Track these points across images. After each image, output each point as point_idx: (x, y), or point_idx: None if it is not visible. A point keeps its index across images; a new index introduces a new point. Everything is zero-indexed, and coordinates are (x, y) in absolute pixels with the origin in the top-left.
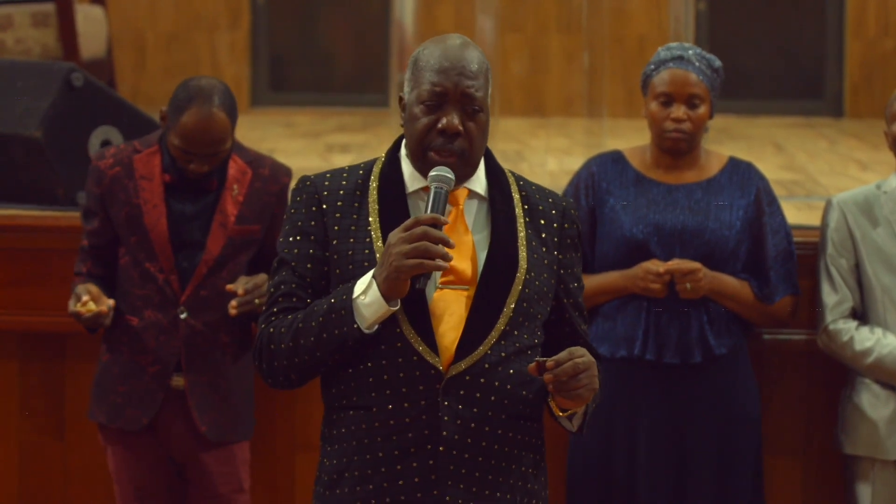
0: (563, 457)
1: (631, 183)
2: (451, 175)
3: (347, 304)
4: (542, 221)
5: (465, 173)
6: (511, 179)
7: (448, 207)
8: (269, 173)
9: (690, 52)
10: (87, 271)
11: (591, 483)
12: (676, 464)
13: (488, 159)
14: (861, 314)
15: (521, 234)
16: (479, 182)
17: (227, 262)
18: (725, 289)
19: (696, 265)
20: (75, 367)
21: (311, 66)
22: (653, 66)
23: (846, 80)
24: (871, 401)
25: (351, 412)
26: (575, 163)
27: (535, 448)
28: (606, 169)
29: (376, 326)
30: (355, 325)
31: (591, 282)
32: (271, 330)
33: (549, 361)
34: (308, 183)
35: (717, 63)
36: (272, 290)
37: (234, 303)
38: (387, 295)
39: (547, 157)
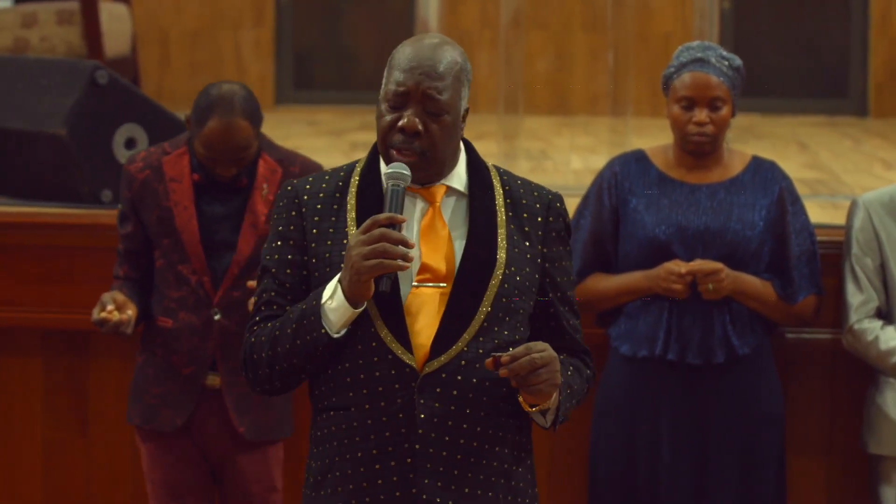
0: (586, 456)
1: (654, 183)
2: (407, 172)
3: (316, 310)
4: (526, 215)
5: (430, 173)
6: (494, 174)
7: (425, 205)
8: (299, 171)
9: (710, 52)
10: (123, 275)
11: (613, 483)
12: (699, 464)
13: (470, 155)
14: (886, 314)
15: (502, 228)
16: (458, 178)
17: (258, 263)
18: (748, 289)
19: (719, 265)
20: (99, 364)
21: (336, 63)
22: (673, 69)
23: (871, 79)
24: None
25: (332, 413)
26: (599, 161)
27: (519, 444)
28: (629, 169)
29: (345, 330)
30: (323, 331)
31: (614, 282)
32: (252, 339)
33: (505, 356)
34: (290, 188)
35: (738, 62)
36: (256, 298)
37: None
38: (350, 298)
39: (571, 155)
